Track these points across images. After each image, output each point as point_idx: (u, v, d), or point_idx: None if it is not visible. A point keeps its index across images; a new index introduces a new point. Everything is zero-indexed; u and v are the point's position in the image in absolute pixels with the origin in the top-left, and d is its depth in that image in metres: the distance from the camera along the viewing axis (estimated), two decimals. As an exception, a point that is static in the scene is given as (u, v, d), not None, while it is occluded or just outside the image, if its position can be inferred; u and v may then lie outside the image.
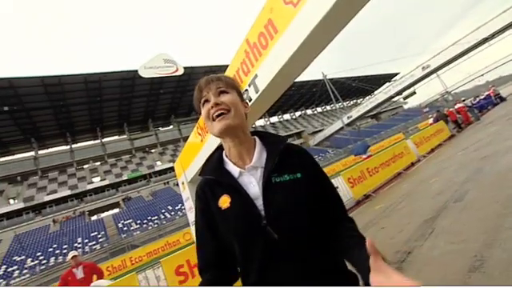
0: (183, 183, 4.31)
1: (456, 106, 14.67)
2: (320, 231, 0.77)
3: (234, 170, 0.80)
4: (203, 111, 0.80)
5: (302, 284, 0.69)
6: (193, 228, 4.27)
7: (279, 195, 0.74)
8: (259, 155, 0.81)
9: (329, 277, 0.72)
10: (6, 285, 16.95)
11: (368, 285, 0.60)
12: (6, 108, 27.12)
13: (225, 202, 0.77)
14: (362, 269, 0.64)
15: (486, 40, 25.84)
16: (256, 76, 2.02)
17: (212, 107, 0.77)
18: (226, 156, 0.84)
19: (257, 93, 2.03)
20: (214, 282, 0.77)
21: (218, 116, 0.76)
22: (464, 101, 15.62)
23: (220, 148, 0.89)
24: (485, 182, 3.99)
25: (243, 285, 0.78)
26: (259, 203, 0.74)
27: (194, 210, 3.13)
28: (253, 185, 0.77)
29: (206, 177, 0.84)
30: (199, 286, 0.78)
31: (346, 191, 7.18)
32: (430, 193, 4.83)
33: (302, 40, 1.66)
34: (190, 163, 3.92)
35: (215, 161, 0.86)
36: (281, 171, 0.77)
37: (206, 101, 0.80)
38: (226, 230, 0.77)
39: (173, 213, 24.68)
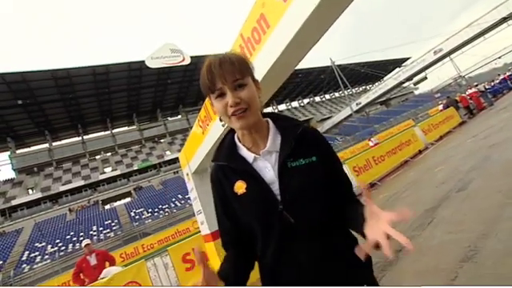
0: (188, 174, 4.43)
1: (468, 92, 14.20)
2: (335, 214, 0.78)
3: (248, 155, 0.80)
4: (219, 105, 0.74)
5: (317, 266, 0.72)
6: (199, 217, 4.41)
7: (295, 180, 0.74)
8: (273, 139, 0.80)
9: (344, 258, 0.73)
10: (30, 269, 17.98)
11: (363, 234, 0.63)
12: (19, 101, 27.85)
13: (240, 187, 0.78)
14: (357, 222, 0.67)
15: (504, 20, 24.54)
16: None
17: (231, 106, 0.72)
18: (239, 140, 0.83)
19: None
20: (237, 254, 0.83)
21: (236, 115, 0.73)
22: (477, 86, 15.07)
23: (231, 131, 0.88)
24: (491, 171, 3.93)
25: (259, 263, 0.82)
26: (275, 188, 0.75)
27: (198, 200, 3.22)
28: (268, 169, 0.77)
29: (220, 163, 0.84)
30: (224, 258, 0.84)
31: (351, 180, 7.19)
32: (434, 182, 4.80)
33: (293, 34, 1.66)
34: (193, 154, 4.01)
35: (227, 146, 0.85)
36: (296, 155, 0.77)
37: (222, 93, 0.73)
38: (243, 214, 0.80)
39: (183, 201, 25.25)
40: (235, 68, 0.72)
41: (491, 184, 3.36)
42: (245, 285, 0.80)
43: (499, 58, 43.83)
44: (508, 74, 18.40)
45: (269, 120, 0.85)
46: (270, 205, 0.74)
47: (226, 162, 0.81)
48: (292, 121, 0.86)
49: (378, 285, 0.80)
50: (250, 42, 2.04)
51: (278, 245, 0.74)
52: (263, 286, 0.82)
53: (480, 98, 13.79)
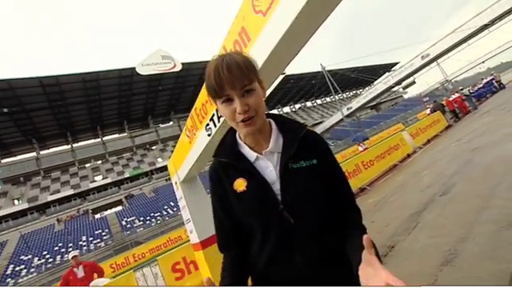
0: (176, 183, 4.41)
1: (452, 97, 14.62)
2: (333, 217, 0.79)
3: (250, 154, 0.80)
4: (226, 110, 0.73)
5: (312, 266, 0.73)
6: (188, 226, 4.38)
7: (296, 181, 0.75)
8: (276, 140, 0.80)
9: (340, 260, 0.74)
10: (15, 284, 17.34)
11: (356, 274, 0.62)
12: (5, 110, 27.20)
13: (241, 185, 0.78)
14: (354, 258, 0.66)
15: (486, 26, 25.48)
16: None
17: (239, 113, 0.71)
18: (241, 139, 0.84)
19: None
20: (234, 257, 0.83)
21: (244, 122, 0.73)
22: (462, 90, 15.53)
23: (231, 130, 0.87)
24: (472, 175, 4.05)
25: (253, 263, 0.81)
26: (276, 188, 0.75)
27: (187, 208, 3.21)
28: (270, 169, 0.77)
29: (221, 159, 0.84)
30: (223, 262, 0.84)
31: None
32: (420, 186, 4.91)
33: (272, 47, 1.71)
34: (181, 163, 4.00)
35: (229, 143, 0.85)
36: (297, 157, 0.78)
37: (229, 99, 0.72)
38: (242, 212, 0.80)
39: (175, 209, 24.93)
40: (244, 73, 0.70)
41: (472, 188, 3.47)
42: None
43: (483, 62, 45.40)
44: (490, 77, 19.05)
45: (271, 121, 0.86)
46: (270, 204, 0.75)
47: (228, 159, 0.82)
48: (295, 123, 0.86)
49: None
50: (232, 54, 2.08)
51: (276, 244, 0.75)
52: (255, 286, 0.83)
53: (464, 102, 14.20)
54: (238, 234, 0.83)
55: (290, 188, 0.75)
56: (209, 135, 2.71)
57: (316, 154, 0.80)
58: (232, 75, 0.69)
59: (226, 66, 0.70)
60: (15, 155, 35.48)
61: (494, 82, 18.22)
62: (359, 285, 0.75)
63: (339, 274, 0.74)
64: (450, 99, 14.51)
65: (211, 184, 0.87)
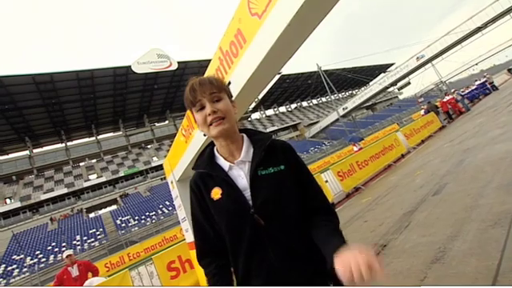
0: (172, 182, 4.42)
1: (445, 98, 14.82)
2: (302, 218, 0.86)
3: (224, 164, 0.89)
4: (199, 116, 0.86)
5: (286, 266, 0.79)
6: (183, 225, 4.40)
7: (265, 186, 0.83)
8: (246, 151, 0.89)
9: (310, 259, 0.81)
10: (6, 284, 17.12)
11: (333, 269, 0.67)
12: (-3, 107, 26.81)
13: (216, 193, 0.86)
14: (329, 255, 0.71)
15: (479, 29, 25.87)
16: (229, 83, 2.10)
17: (209, 114, 0.83)
18: (217, 151, 0.92)
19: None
20: (215, 267, 0.88)
21: (214, 123, 0.84)
22: (454, 92, 15.76)
23: (211, 144, 0.97)
24: (463, 175, 4.14)
25: (233, 266, 0.88)
26: (247, 194, 0.83)
27: (183, 207, 3.23)
28: (241, 177, 0.86)
29: (199, 170, 0.92)
30: (205, 274, 0.90)
31: (335, 185, 7.33)
32: (413, 186, 4.99)
33: (268, 49, 1.75)
34: (177, 162, 4.02)
35: (207, 156, 0.93)
36: (266, 164, 0.86)
37: (202, 107, 0.85)
38: (218, 218, 0.87)
39: (170, 208, 24.83)
40: (213, 85, 0.86)
41: (462, 188, 3.55)
42: None
43: (476, 64, 46.09)
44: (482, 79, 19.33)
45: (244, 135, 0.95)
46: (242, 209, 0.82)
47: (205, 170, 0.90)
48: (263, 134, 0.96)
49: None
50: (228, 55, 2.11)
51: (250, 247, 0.82)
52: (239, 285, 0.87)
53: (457, 103, 14.41)
54: (218, 243, 0.89)
55: (260, 193, 0.83)
56: (205, 135, 2.73)
57: (283, 161, 0.88)
58: (202, 86, 0.86)
59: (199, 81, 0.87)
60: (7, 153, 34.98)
61: (486, 83, 18.53)
62: (332, 278, 0.77)
63: (311, 268, 0.81)
64: (444, 100, 14.71)
65: (192, 194, 0.94)
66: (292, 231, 0.83)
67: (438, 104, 15.14)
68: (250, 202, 0.82)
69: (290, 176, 0.87)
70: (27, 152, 35.35)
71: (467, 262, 1.94)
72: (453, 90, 16.25)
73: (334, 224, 0.86)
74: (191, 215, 0.96)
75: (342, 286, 0.81)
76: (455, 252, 2.11)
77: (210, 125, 0.85)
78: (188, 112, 3.08)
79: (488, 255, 1.91)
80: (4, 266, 19.16)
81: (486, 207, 2.66)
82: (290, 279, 0.79)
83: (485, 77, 19.28)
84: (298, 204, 0.87)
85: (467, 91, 19.10)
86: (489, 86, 18.29)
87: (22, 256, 19.83)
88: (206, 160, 0.92)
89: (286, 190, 0.85)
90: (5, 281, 17.41)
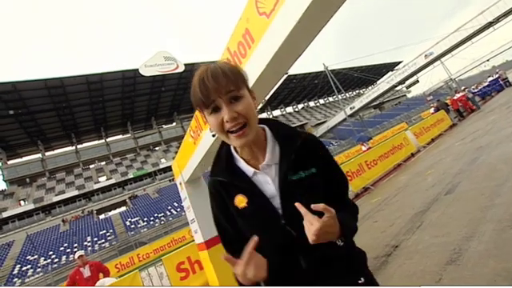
0: (181, 183, 4.45)
1: (456, 96, 14.51)
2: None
3: (247, 169, 0.78)
4: (214, 120, 0.70)
5: (317, 270, 0.74)
6: (192, 226, 4.42)
7: (296, 194, 0.73)
8: (272, 151, 0.77)
9: (343, 260, 0.76)
10: (22, 283, 17.54)
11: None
12: (11, 112, 27.55)
13: (241, 201, 0.76)
14: None
15: (490, 24, 25.23)
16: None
17: (227, 121, 0.68)
18: (236, 152, 0.81)
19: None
20: None
21: (234, 132, 0.69)
22: (465, 90, 15.42)
23: (225, 143, 0.83)
24: (477, 174, 4.03)
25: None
26: (276, 202, 0.74)
27: (192, 209, 3.25)
28: (268, 184, 0.75)
29: (218, 179, 0.81)
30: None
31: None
32: (424, 185, 4.89)
33: (276, 48, 1.73)
34: (185, 164, 4.03)
35: (225, 160, 0.81)
36: (296, 168, 0.75)
37: (216, 108, 0.68)
38: (245, 227, 0.79)
39: (179, 209, 25.03)
40: (229, 79, 0.67)
41: (476, 187, 3.46)
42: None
43: (487, 60, 44.96)
44: (495, 75, 18.85)
45: (265, 128, 0.82)
46: (271, 219, 0.74)
47: (225, 179, 0.79)
48: (291, 129, 0.82)
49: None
50: (236, 56, 2.11)
51: (282, 254, 0.75)
52: None
53: (468, 101, 14.09)
54: (243, 241, 0.81)
55: (291, 201, 0.71)
56: (213, 136, 2.74)
57: (315, 162, 0.77)
58: (217, 82, 0.66)
59: (211, 74, 0.67)
60: (21, 156, 35.93)
61: (499, 80, 18.06)
62: (364, 274, 0.77)
63: (344, 267, 0.76)
64: (455, 98, 14.41)
65: (211, 196, 0.86)
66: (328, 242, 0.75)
67: (447, 102, 14.84)
68: (280, 211, 0.74)
69: (322, 179, 0.77)
70: (39, 155, 36.21)
71: (484, 263, 1.88)
72: (463, 88, 15.88)
73: (352, 212, 0.83)
74: (213, 216, 0.89)
75: (373, 283, 0.80)
76: (471, 253, 2.06)
77: (229, 132, 0.70)
78: (196, 113, 3.09)
79: (506, 256, 1.85)
80: (19, 266, 19.65)
81: (502, 207, 2.58)
82: (322, 281, 0.74)
83: (497, 73, 18.80)
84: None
85: (478, 89, 18.67)
86: (502, 82, 17.82)
87: (35, 256, 20.31)
88: (224, 165, 0.81)
89: (318, 197, 0.73)
90: (20, 280, 17.85)
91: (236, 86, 0.68)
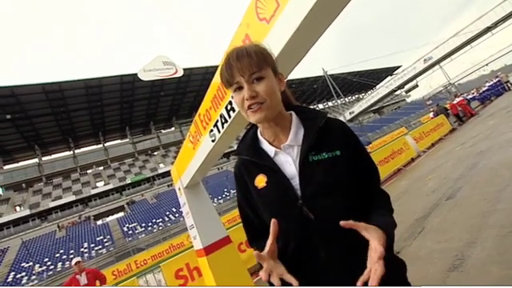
0: (179, 189, 4.40)
1: (456, 100, 14.59)
2: (357, 210, 0.74)
3: (269, 149, 0.79)
4: (237, 98, 0.74)
5: (337, 261, 0.70)
6: (191, 232, 4.36)
7: (316, 174, 0.72)
8: (295, 133, 0.78)
9: (364, 255, 0.69)
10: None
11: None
12: (8, 116, 27.44)
13: (261, 181, 0.77)
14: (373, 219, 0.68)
15: (488, 29, 25.53)
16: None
17: (247, 99, 0.71)
18: (261, 134, 0.83)
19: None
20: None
21: (251, 109, 0.72)
22: (462, 95, 15.53)
23: (254, 126, 0.87)
24: (477, 179, 4.02)
25: (280, 257, 0.74)
26: (295, 183, 0.73)
27: (190, 214, 3.21)
28: (289, 164, 0.76)
29: (241, 156, 0.84)
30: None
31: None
32: (425, 190, 4.88)
33: (276, 54, 1.71)
34: (184, 169, 4.00)
35: (249, 140, 0.85)
36: (319, 149, 0.75)
37: (239, 87, 0.73)
38: (263, 208, 0.79)
39: (177, 215, 24.87)
40: (253, 60, 0.71)
41: (477, 192, 3.44)
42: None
43: (486, 65, 45.36)
44: (495, 79, 18.95)
45: (292, 113, 0.84)
46: (289, 200, 0.73)
47: (248, 156, 0.81)
48: (315, 113, 0.83)
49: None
50: (236, 61, 2.10)
51: (298, 241, 0.73)
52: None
53: (468, 105, 14.17)
54: (264, 229, 0.79)
55: (310, 182, 0.72)
56: (213, 141, 2.72)
57: (340, 145, 0.76)
58: (240, 63, 0.71)
59: (236, 55, 0.72)
60: (17, 161, 35.68)
61: (499, 83, 18.07)
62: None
63: (363, 267, 0.69)
64: (454, 102, 14.49)
65: (236, 181, 0.88)
66: (345, 228, 0.72)
67: (447, 106, 14.91)
68: (299, 192, 0.73)
69: (346, 163, 0.75)
70: (36, 160, 35.98)
71: (487, 270, 1.86)
72: (459, 94, 16.00)
73: (386, 207, 0.79)
74: (237, 203, 0.91)
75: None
76: (474, 260, 2.03)
77: (249, 109, 0.73)
78: (196, 118, 3.08)
79: (510, 263, 1.83)
80: (13, 273, 19.34)
81: (504, 212, 2.56)
82: (342, 276, 0.69)
83: (497, 77, 18.88)
84: (355, 194, 0.76)
85: (478, 93, 18.73)
86: (504, 84, 17.76)
87: (30, 263, 20.00)
88: (248, 145, 0.83)
89: (340, 181, 0.73)
90: (14, 288, 17.56)
91: (258, 68, 0.71)
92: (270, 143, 0.80)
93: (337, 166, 0.74)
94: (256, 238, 0.86)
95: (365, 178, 0.80)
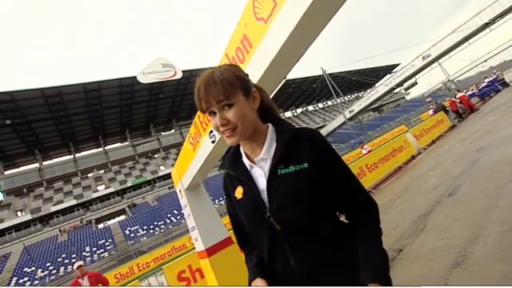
0: (180, 191, 4.40)
1: (458, 95, 14.60)
2: (329, 219, 0.79)
3: (246, 162, 0.85)
4: (212, 122, 0.78)
5: (307, 271, 0.74)
6: (193, 234, 4.36)
7: (282, 188, 0.76)
8: (268, 147, 0.81)
9: (338, 269, 0.74)
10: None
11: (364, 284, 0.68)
12: (8, 121, 27.47)
13: (239, 192, 0.84)
14: (362, 268, 0.71)
15: (486, 25, 25.50)
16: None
17: (219, 126, 0.76)
18: (242, 147, 0.89)
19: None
20: (256, 256, 0.87)
21: (225, 135, 0.78)
22: (459, 91, 15.57)
23: None
24: (478, 175, 4.01)
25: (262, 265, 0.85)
26: (264, 195, 0.78)
27: (192, 216, 3.22)
28: (261, 177, 0.80)
29: (224, 170, 0.91)
30: (245, 259, 0.92)
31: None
32: (426, 187, 4.86)
33: (275, 53, 1.72)
34: (185, 171, 3.99)
35: (232, 154, 0.90)
36: (287, 162, 0.77)
37: (213, 111, 0.77)
38: (242, 218, 0.86)
39: (179, 217, 24.84)
40: (219, 90, 0.73)
41: (478, 188, 3.43)
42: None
43: (485, 61, 45.34)
44: (493, 76, 18.97)
45: (269, 125, 0.86)
46: (259, 211, 0.78)
47: (228, 169, 0.88)
48: (287, 125, 0.85)
49: None
50: (234, 61, 2.10)
51: (270, 250, 0.79)
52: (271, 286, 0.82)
53: (470, 100, 14.18)
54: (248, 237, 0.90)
55: (277, 195, 0.76)
56: (213, 142, 2.71)
57: (309, 157, 0.77)
58: (207, 93, 0.74)
59: (204, 84, 0.75)
60: (18, 166, 35.68)
61: (498, 80, 18.14)
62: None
63: (339, 279, 0.72)
64: (453, 99, 14.48)
65: (224, 190, 0.94)
66: (314, 239, 0.74)
67: (446, 104, 14.91)
68: (267, 205, 0.77)
69: (315, 175, 0.75)
70: (37, 164, 35.97)
71: (490, 266, 1.85)
72: (456, 92, 16.03)
73: (371, 228, 0.79)
74: (226, 208, 0.98)
75: None
76: (476, 256, 2.02)
77: (223, 134, 0.79)
78: (196, 119, 3.08)
79: (513, 259, 1.82)
80: (16, 278, 19.32)
81: (505, 208, 2.55)
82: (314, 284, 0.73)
83: (495, 73, 18.92)
84: (325, 206, 0.77)
85: (477, 89, 18.75)
86: (500, 82, 17.87)
87: (33, 268, 19.98)
88: (230, 159, 0.90)
89: (304, 193, 0.74)
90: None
91: (226, 96, 0.74)
92: (247, 156, 0.85)
93: (303, 178, 0.75)
94: (245, 242, 0.94)
95: (339, 188, 0.79)
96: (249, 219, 0.82)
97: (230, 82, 0.75)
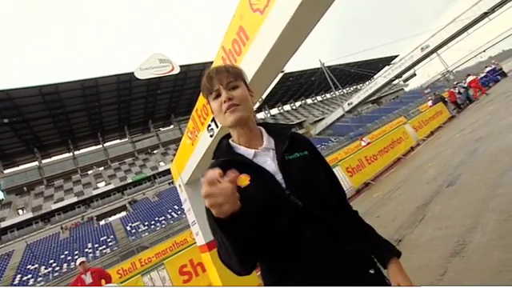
0: (180, 186, 4.40)
1: (469, 79, 14.67)
2: (336, 199, 0.89)
3: (247, 152, 0.86)
4: (215, 104, 0.85)
5: (320, 245, 0.75)
6: (193, 228, 4.38)
7: (295, 169, 0.82)
8: (268, 139, 0.88)
9: (353, 240, 0.80)
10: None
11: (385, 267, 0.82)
12: (5, 120, 27.30)
13: (244, 180, 0.79)
14: (381, 256, 0.84)
15: (485, 15, 25.26)
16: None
17: (224, 102, 0.81)
18: (235, 142, 0.90)
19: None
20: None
21: (229, 109, 0.82)
22: (457, 84, 15.56)
23: (226, 137, 0.95)
24: (477, 165, 4.02)
25: (268, 261, 0.81)
26: (279, 177, 0.80)
27: (192, 211, 3.21)
28: (268, 163, 0.83)
29: (220, 159, 0.87)
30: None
31: (344, 181, 7.24)
32: (425, 178, 4.89)
33: (271, 45, 1.70)
34: (184, 165, 3.99)
35: (224, 147, 0.91)
36: (291, 151, 0.86)
37: (218, 95, 0.83)
38: (248, 207, 0.76)
39: (179, 212, 24.95)
40: (229, 73, 0.85)
41: (477, 178, 3.44)
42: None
43: (484, 51, 45.10)
44: (493, 66, 18.93)
45: (261, 128, 0.94)
46: (277, 191, 0.79)
47: (228, 157, 0.86)
48: (282, 125, 0.97)
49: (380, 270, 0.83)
50: (231, 54, 2.07)
51: (289, 228, 0.77)
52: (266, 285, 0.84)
53: (480, 84, 14.24)
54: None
55: (292, 175, 0.81)
56: (211, 136, 2.70)
57: (306, 149, 0.89)
58: (219, 74, 0.84)
59: (216, 70, 0.86)
60: (17, 165, 35.60)
61: (496, 70, 18.15)
62: (374, 265, 0.81)
63: (355, 250, 0.78)
64: (453, 90, 14.46)
65: None
66: (331, 211, 0.81)
67: (444, 95, 14.88)
68: (283, 185, 0.79)
69: (314, 162, 0.88)
70: (36, 163, 35.88)
71: (489, 254, 1.86)
72: (455, 83, 15.98)
73: (359, 216, 0.94)
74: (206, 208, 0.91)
75: (384, 281, 0.80)
76: (475, 245, 2.04)
77: (226, 112, 0.82)
78: (193, 114, 3.06)
79: (511, 247, 1.83)
80: (20, 276, 19.50)
81: (504, 197, 2.56)
82: (335, 265, 0.73)
83: (493, 64, 18.88)
84: (329, 188, 0.88)
85: (487, 74, 18.72)
86: (498, 72, 17.89)
87: (36, 266, 20.15)
88: (225, 150, 0.90)
89: (315, 172, 0.86)
90: (22, 290, 17.71)
91: (234, 78, 0.85)
92: (247, 147, 0.88)
93: (308, 162, 0.86)
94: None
95: (329, 177, 0.93)
96: (265, 202, 0.78)
97: (237, 70, 0.89)
